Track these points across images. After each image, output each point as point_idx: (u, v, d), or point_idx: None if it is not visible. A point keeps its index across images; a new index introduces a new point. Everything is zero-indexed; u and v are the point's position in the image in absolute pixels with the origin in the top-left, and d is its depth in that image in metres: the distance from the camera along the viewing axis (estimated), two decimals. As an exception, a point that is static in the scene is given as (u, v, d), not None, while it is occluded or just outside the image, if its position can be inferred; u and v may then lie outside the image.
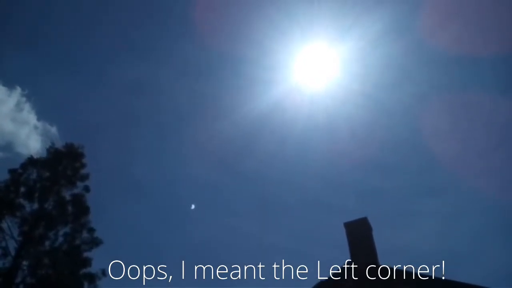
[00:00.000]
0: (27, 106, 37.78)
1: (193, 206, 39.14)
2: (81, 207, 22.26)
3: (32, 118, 37.77)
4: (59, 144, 24.19)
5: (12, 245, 20.42)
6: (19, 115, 36.55)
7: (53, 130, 38.61)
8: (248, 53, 38.75)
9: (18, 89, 36.53)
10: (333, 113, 35.92)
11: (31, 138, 36.81)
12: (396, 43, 35.25)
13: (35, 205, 21.77)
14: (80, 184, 23.16)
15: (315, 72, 35.84)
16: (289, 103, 37.06)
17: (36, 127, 37.95)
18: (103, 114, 42.95)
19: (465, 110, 34.39)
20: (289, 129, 37.84)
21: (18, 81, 39.29)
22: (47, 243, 20.98)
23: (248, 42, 37.92)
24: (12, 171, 22.14)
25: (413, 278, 11.48)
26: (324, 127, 37.20)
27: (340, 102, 35.91)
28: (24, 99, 37.68)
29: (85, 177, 23.46)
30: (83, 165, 23.79)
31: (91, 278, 20.62)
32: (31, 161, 22.90)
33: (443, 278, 11.11)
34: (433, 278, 11.21)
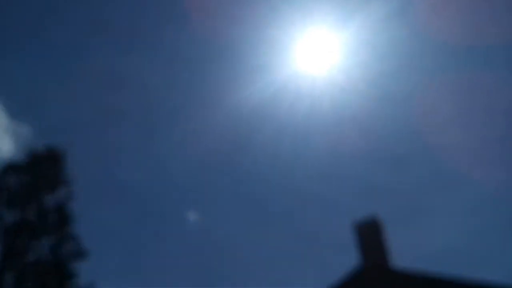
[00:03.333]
0: None
1: (188, 215, 38.34)
2: (64, 216, 21.63)
3: (2, 118, 35.33)
4: (32, 145, 23.09)
5: (-6, 257, 19.94)
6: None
7: (26, 130, 36.43)
8: (244, 39, 36.99)
9: None
10: (336, 102, 34.89)
11: (2, 138, 34.66)
12: (401, 29, 34.05)
13: (16, 214, 21.10)
14: (63, 189, 22.44)
15: (316, 58, 34.64)
16: (289, 91, 35.90)
17: (7, 128, 35.64)
18: (81, 111, 40.65)
19: (475, 97, 33.73)
20: (289, 118, 36.70)
21: None
22: (30, 254, 20.53)
23: (244, 27, 35.98)
24: (-10, 177, 21.21)
25: (431, 282, 11.22)
26: (326, 116, 36.22)
27: (343, 90, 34.80)
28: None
29: (68, 182, 22.70)
30: (65, 169, 22.94)
31: (79, 290, 20.43)
32: (10, 166, 21.92)
33: (458, 278, 10.82)
34: (448, 279, 10.92)
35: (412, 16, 36.02)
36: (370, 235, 12.31)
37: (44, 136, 39.30)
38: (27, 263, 20.28)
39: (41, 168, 22.46)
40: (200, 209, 39.12)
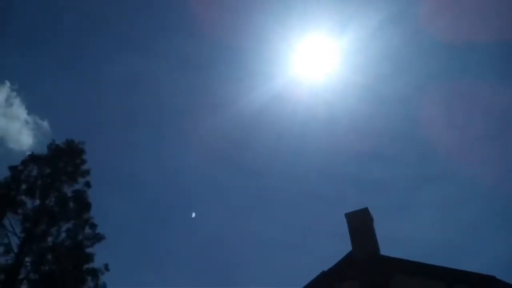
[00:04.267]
0: (17, 101, 37.54)
1: (193, 214, 39.08)
2: (82, 203, 22.31)
3: (22, 112, 37.44)
4: (50, 138, 24.23)
5: (14, 242, 20.52)
6: (9, 110, 36.27)
7: (45, 124, 38.39)
8: (247, 45, 38.67)
9: (7, 84, 36.25)
10: (333, 105, 35.91)
11: (22, 133, 36.59)
12: (396, 34, 35.15)
13: (37, 202, 21.87)
14: (81, 180, 23.25)
15: (314, 64, 35.74)
16: (288, 95, 36.98)
17: (27, 122, 37.72)
18: (96, 108, 42.66)
19: (464, 98, 34.43)
20: (288, 121, 37.80)
21: (7, 76, 38.98)
22: (49, 239, 21.07)
23: (247, 34, 37.76)
24: (12, 168, 22.16)
25: (415, 267, 11.56)
26: (323, 119, 37.19)
27: (340, 94, 35.87)
28: (14, 93, 37.39)
29: (86, 173, 23.52)
30: (83, 161, 23.81)
31: (94, 273, 20.73)
32: (32, 158, 22.93)
33: (444, 266, 11.19)
34: (434, 266, 11.29)
35: (408, 22, 37.08)
36: (360, 225, 12.98)
37: (62, 131, 40.99)
38: (46, 247, 20.80)
39: (61, 160, 23.38)
40: (204, 203, 40.06)
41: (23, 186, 21.96)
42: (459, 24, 31.94)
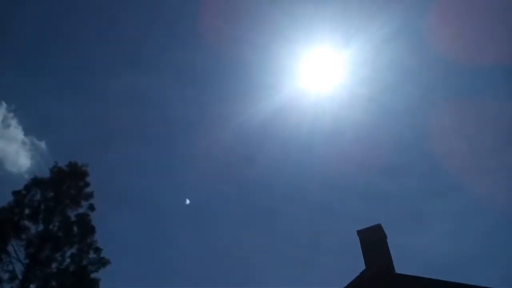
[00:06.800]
0: (14, 122, 36.71)
1: (188, 201, 38.70)
2: (86, 227, 22.22)
3: (19, 133, 36.70)
4: (48, 159, 24.03)
5: (19, 268, 20.43)
6: (6, 132, 35.64)
7: (42, 145, 37.71)
8: (252, 58, 38.65)
9: (4, 105, 35.72)
10: (339, 118, 35.87)
11: (20, 154, 35.88)
12: (402, 47, 35.36)
13: (40, 227, 21.76)
14: (84, 203, 23.16)
15: (320, 76, 35.86)
16: (293, 108, 37.02)
17: (24, 143, 36.95)
18: (94, 127, 42.10)
19: (470, 112, 34.57)
20: (294, 134, 37.79)
21: (3, 97, 38.28)
22: (54, 265, 20.95)
23: (252, 47, 37.70)
24: (15, 193, 22.08)
25: (430, 285, 11.37)
26: (329, 131, 37.14)
27: (346, 107, 35.88)
28: (11, 114, 36.73)
29: (89, 196, 23.43)
30: (87, 184, 23.74)
31: (100, 299, 20.66)
32: (34, 182, 22.84)
33: (459, 283, 11.00)
34: (449, 283, 11.08)
35: (413, 35, 37.50)
36: (373, 242, 12.72)
37: (59, 151, 40.26)
38: (50, 273, 20.69)
39: (64, 184, 23.29)
40: (212, 218, 39.69)
41: (27, 211, 21.88)
42: (468, 41, 32.25)
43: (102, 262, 21.45)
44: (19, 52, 39.71)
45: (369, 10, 35.38)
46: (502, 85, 34.58)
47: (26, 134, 38.16)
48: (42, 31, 40.16)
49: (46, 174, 23.38)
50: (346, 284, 12.59)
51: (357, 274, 12.71)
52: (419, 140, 37.96)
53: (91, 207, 23.06)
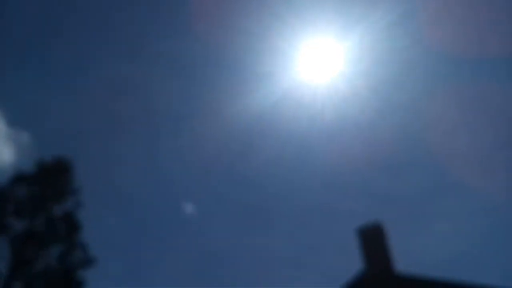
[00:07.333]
0: None
1: (185, 206, 38.35)
2: (72, 224, 21.76)
3: (2, 125, 35.49)
4: (32, 152, 23.45)
5: (3, 267, 20.02)
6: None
7: (25, 137, 36.65)
8: (248, 47, 37.44)
9: None
10: (338, 110, 35.01)
11: (3, 147, 34.72)
12: (403, 38, 34.33)
13: (25, 224, 21.27)
14: (71, 199, 22.64)
15: (319, 67, 34.94)
16: (291, 100, 36.08)
17: (6, 135, 35.84)
18: (82, 118, 40.95)
19: (476, 105, 33.86)
20: (291, 127, 36.86)
21: None
22: (39, 263, 20.56)
23: (248, 36, 36.46)
24: (-1, 188, 21.52)
25: (432, 284, 11.21)
26: (328, 125, 36.23)
27: (346, 98, 34.97)
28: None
29: (76, 192, 22.91)
30: (73, 179, 23.18)
31: (86, 298, 20.39)
32: (18, 176, 22.23)
33: (461, 282, 10.86)
34: (451, 283, 10.93)
35: (414, 25, 36.43)
36: (373, 240, 12.37)
37: (44, 143, 39.11)
38: (35, 272, 20.31)
39: (50, 179, 22.70)
40: (203, 217, 39.14)
41: (11, 207, 21.35)
42: (471, 32, 31.38)
43: (89, 260, 21.09)
44: (3, 43, 38.25)
45: (371, -1, 34.24)
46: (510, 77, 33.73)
47: (10, 127, 37.01)
48: (21, 19, 38.53)
49: (31, 168, 22.86)
50: (344, 283, 12.37)
51: (356, 273, 12.47)
52: (422, 135, 37.01)
53: (78, 203, 22.59)
